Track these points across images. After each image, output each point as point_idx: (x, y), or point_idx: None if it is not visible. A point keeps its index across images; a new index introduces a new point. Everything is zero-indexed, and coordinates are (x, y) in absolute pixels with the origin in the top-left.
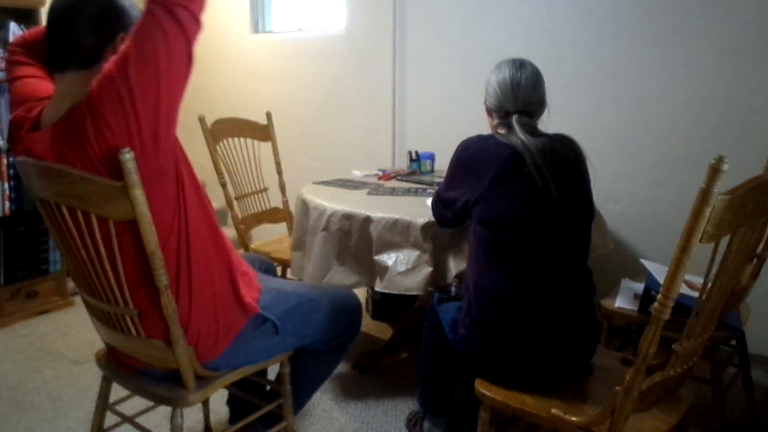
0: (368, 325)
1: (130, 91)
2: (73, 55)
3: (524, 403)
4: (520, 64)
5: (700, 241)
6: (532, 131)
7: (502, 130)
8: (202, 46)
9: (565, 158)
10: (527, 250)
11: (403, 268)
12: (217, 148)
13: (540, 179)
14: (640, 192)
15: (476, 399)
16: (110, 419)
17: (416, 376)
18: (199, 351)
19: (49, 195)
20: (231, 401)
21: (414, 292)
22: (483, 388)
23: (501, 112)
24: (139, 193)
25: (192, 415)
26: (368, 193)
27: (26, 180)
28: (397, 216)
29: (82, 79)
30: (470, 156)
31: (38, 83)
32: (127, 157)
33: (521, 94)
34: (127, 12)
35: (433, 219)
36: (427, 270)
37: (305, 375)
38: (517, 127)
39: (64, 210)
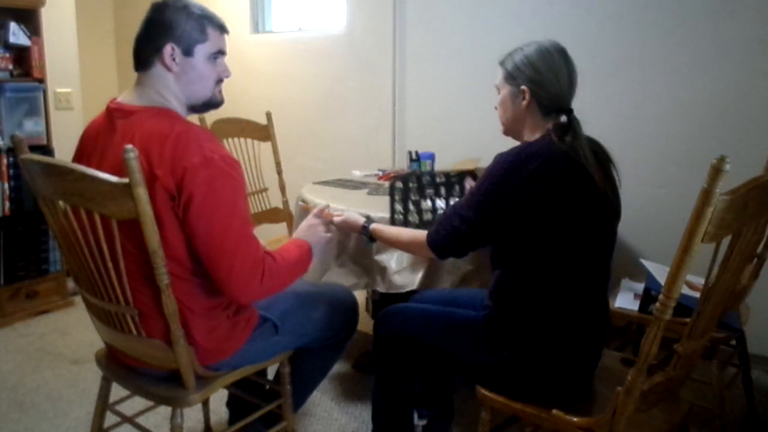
0: (368, 325)
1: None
2: (136, 60)
3: (525, 404)
4: (564, 51)
5: (702, 241)
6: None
7: (552, 132)
8: None
9: (609, 165)
10: (588, 265)
11: (399, 266)
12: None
13: (603, 193)
14: (640, 192)
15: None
16: (110, 419)
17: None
18: (200, 355)
19: (53, 193)
20: (231, 403)
21: (410, 288)
22: (484, 389)
23: (557, 107)
24: (141, 192)
25: (192, 415)
26: (368, 193)
27: (29, 178)
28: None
29: (145, 80)
30: (534, 179)
31: None
32: (131, 155)
33: (575, 88)
34: (173, 25)
35: (433, 219)
36: (423, 268)
37: (303, 373)
38: (581, 135)
39: (68, 208)
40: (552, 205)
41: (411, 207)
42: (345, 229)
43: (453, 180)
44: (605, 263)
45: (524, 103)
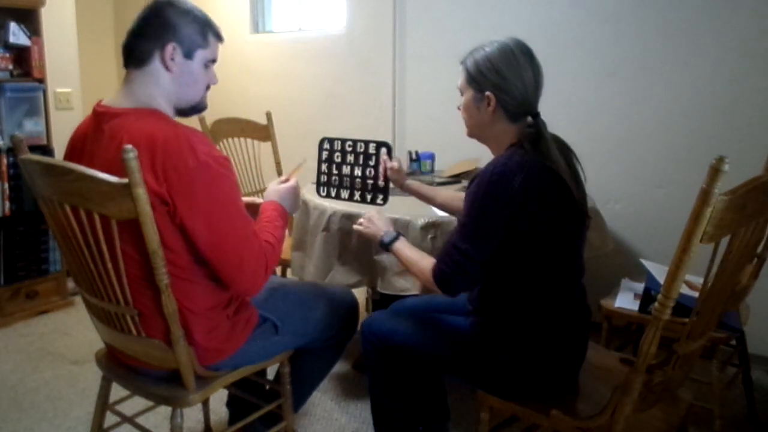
0: None
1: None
2: (128, 56)
3: (523, 405)
4: (529, 50)
5: (701, 241)
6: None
7: (525, 141)
8: None
9: (575, 163)
10: (566, 268)
11: (399, 268)
12: (217, 148)
13: (578, 201)
14: (640, 192)
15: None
16: (110, 419)
17: None
18: (200, 355)
19: (52, 193)
20: (231, 403)
21: (410, 293)
22: (482, 390)
23: (524, 111)
24: (141, 192)
25: (192, 415)
26: None
27: (29, 178)
28: (396, 216)
29: (137, 78)
30: (520, 195)
31: None
32: (131, 155)
33: (541, 90)
34: (177, 25)
35: (432, 219)
36: None
37: (304, 373)
38: (549, 139)
39: (67, 208)
40: (536, 218)
41: (334, 170)
42: (365, 237)
43: (371, 152)
44: (579, 259)
45: (489, 109)
